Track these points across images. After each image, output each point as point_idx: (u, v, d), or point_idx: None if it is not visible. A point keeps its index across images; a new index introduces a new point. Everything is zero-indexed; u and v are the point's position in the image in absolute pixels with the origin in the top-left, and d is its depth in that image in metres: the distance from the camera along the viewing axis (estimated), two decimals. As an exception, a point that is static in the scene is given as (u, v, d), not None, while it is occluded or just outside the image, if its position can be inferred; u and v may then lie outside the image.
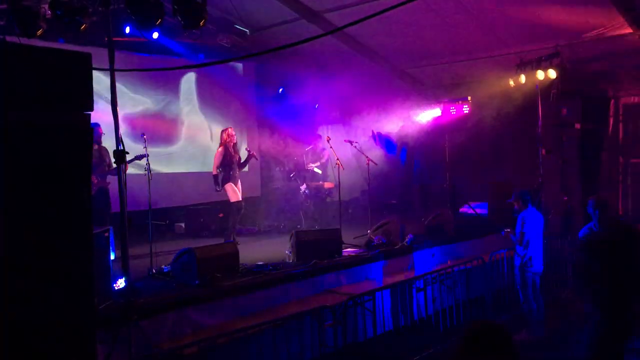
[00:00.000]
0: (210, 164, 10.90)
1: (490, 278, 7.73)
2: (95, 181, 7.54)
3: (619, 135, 10.77)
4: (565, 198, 9.78)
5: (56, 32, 7.10)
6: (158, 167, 9.64)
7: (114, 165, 7.46)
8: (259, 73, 11.84)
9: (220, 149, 8.79)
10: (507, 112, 10.46)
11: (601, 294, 3.70)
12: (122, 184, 4.67)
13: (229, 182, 8.74)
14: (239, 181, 8.95)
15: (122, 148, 4.66)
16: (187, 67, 10.47)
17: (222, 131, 8.91)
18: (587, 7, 8.40)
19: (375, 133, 11.49)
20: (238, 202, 8.81)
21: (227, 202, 8.92)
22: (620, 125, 10.75)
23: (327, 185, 11.08)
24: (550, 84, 9.74)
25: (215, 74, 10.97)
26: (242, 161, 9.04)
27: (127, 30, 8.64)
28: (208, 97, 11.10)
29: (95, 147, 7.64)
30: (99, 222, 6.67)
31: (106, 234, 5.74)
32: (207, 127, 11.09)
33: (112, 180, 7.72)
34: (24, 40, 6.27)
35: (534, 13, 8.73)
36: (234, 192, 8.75)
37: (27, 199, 3.37)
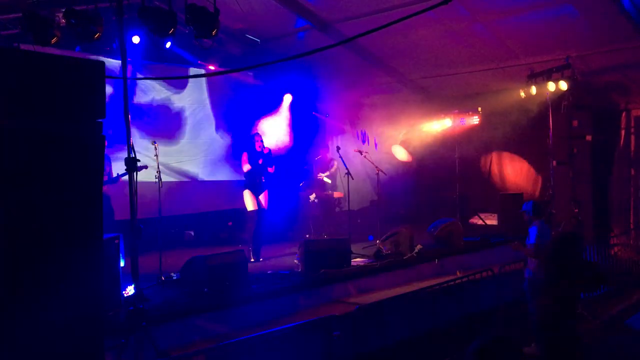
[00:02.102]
0: (219, 172, 10.97)
1: (500, 290, 7.67)
2: None
3: (631, 148, 10.71)
4: (576, 210, 9.71)
5: (73, 40, 7.16)
6: (169, 176, 9.69)
7: (114, 175, 7.50)
8: (269, 82, 11.89)
9: (244, 153, 8.55)
10: (517, 123, 10.44)
11: None
12: (132, 191, 4.69)
13: (247, 189, 8.49)
14: (266, 191, 8.66)
15: (133, 156, 4.69)
16: (199, 76, 10.53)
17: (249, 137, 8.75)
18: (598, 18, 8.39)
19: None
20: (253, 211, 8.48)
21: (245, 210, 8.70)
22: (632, 137, 10.70)
23: (336, 194, 11.08)
24: (561, 96, 9.72)
25: (226, 83, 11.03)
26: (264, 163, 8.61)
27: (137, 39, 8.67)
28: (218, 105, 11.14)
29: None
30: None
31: (116, 241, 5.77)
32: (217, 134, 11.11)
33: (109, 188, 7.62)
34: (41, 49, 6.34)
35: (545, 24, 8.73)
36: (250, 199, 8.47)
37: (37, 205, 3.39)
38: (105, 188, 7.44)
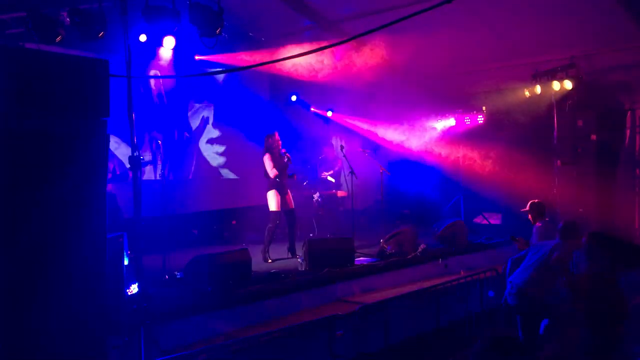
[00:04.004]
0: (224, 171, 10.95)
1: (504, 290, 7.65)
2: None
3: (636, 147, 10.66)
4: (581, 210, 9.67)
5: (78, 39, 7.18)
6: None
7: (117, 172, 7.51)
8: (273, 80, 11.89)
9: (267, 155, 8.32)
10: (522, 122, 10.40)
11: None
12: (136, 190, 4.69)
13: (273, 189, 8.28)
14: (288, 190, 8.50)
15: (137, 154, 4.68)
16: (202, 75, 10.53)
17: (267, 136, 8.48)
18: (603, 18, 8.35)
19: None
20: (276, 212, 8.31)
21: (267, 210, 8.46)
22: (637, 137, 10.65)
23: (340, 193, 11.08)
24: (565, 95, 9.68)
25: (228, 81, 11.04)
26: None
27: (144, 38, 8.68)
28: (223, 106, 11.16)
29: None
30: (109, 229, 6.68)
31: (120, 240, 5.77)
32: (221, 135, 11.12)
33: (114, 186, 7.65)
34: (46, 47, 6.35)
35: (550, 23, 8.70)
36: (275, 200, 8.27)
37: (42, 204, 3.40)
38: (110, 187, 7.51)
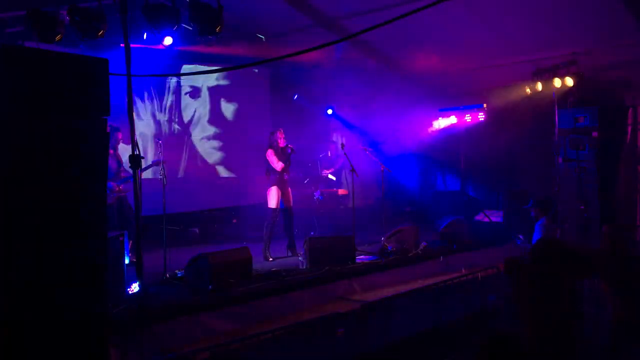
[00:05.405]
0: (224, 170, 10.94)
1: (505, 287, 7.64)
2: (117, 189, 7.55)
3: (637, 144, 10.63)
4: (582, 207, 9.66)
5: (77, 37, 7.17)
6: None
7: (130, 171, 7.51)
8: (274, 79, 11.87)
9: (270, 151, 8.32)
10: (523, 119, 10.39)
11: None
12: (137, 189, 4.68)
13: (274, 185, 8.29)
14: (289, 187, 8.50)
15: (137, 152, 4.67)
16: (203, 73, 10.51)
17: (271, 133, 8.50)
18: (604, 14, 8.33)
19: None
20: (275, 209, 8.32)
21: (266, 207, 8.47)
22: (638, 133, 10.63)
23: (341, 191, 11.07)
24: (567, 92, 9.67)
25: (229, 80, 11.02)
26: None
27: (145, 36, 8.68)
28: (222, 103, 11.14)
29: (111, 152, 7.62)
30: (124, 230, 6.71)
31: (121, 239, 5.77)
32: (220, 132, 11.11)
33: (129, 188, 7.72)
34: (45, 46, 6.34)
35: (551, 20, 8.67)
36: (275, 197, 8.28)
37: (41, 202, 3.39)
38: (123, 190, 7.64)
